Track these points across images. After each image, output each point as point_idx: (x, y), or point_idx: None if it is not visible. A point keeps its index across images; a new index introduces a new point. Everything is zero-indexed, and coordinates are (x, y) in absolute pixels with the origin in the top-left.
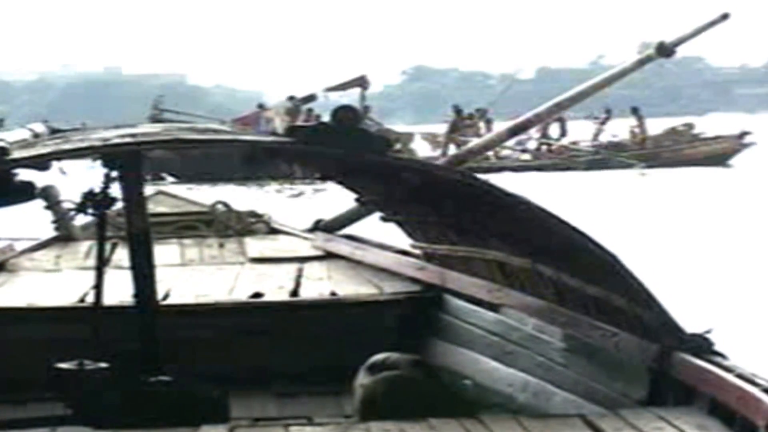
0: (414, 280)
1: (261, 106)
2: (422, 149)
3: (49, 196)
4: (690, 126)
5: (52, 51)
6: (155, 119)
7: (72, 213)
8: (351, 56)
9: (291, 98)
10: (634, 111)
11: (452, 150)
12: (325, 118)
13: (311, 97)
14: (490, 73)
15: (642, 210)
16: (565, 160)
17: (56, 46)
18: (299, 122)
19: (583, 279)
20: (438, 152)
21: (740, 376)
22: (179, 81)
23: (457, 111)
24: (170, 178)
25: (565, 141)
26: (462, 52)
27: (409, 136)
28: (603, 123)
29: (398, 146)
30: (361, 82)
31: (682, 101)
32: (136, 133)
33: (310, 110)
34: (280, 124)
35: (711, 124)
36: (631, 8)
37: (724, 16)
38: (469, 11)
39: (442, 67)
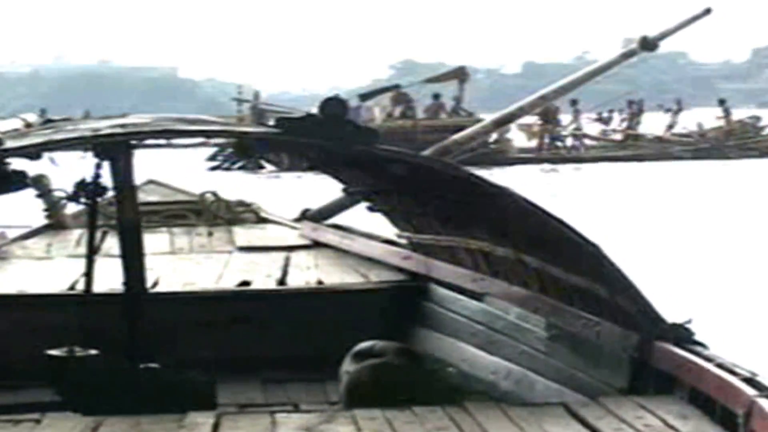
0: (400, 270)
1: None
2: (518, 139)
3: (40, 185)
4: (757, 118)
5: (46, 44)
6: (259, 111)
7: (63, 202)
8: (340, 50)
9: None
10: (721, 103)
11: (547, 140)
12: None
13: (396, 87)
14: (477, 68)
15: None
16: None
17: (50, 39)
18: (398, 111)
19: (566, 269)
20: (534, 142)
21: (720, 366)
22: (171, 74)
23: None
24: (270, 167)
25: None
26: (449, 46)
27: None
28: (676, 114)
29: (495, 136)
30: (460, 74)
31: (667, 96)
32: (126, 123)
33: (409, 100)
34: (379, 113)
35: (695, 119)
36: (616, 4)
37: (707, 11)
38: (457, 6)
39: (429, 62)
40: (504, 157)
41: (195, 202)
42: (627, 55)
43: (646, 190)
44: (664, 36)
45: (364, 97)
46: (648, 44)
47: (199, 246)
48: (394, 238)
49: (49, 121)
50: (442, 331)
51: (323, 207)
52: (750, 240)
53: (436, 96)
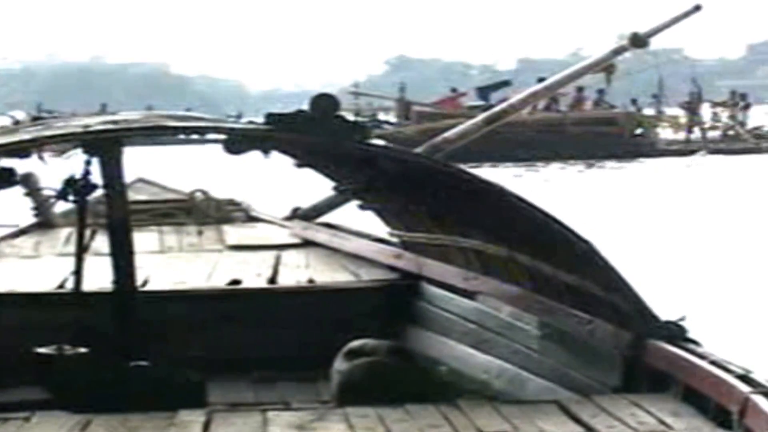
0: (391, 268)
1: (454, 90)
2: (665, 132)
3: (29, 183)
4: None
5: (38, 40)
6: (405, 104)
7: (52, 200)
8: (333, 46)
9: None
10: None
11: (696, 133)
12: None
13: (505, 83)
14: (472, 64)
15: None
16: None
17: (41, 36)
18: (542, 104)
19: (559, 267)
20: (680, 135)
21: (714, 363)
22: (163, 70)
23: (698, 94)
24: None
25: None
26: (444, 42)
27: (653, 120)
28: None
29: (641, 129)
30: (607, 67)
31: (663, 93)
32: (116, 120)
33: (553, 99)
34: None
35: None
36: (611, 0)
37: (696, 8)
38: (451, 2)
39: (424, 58)
40: (651, 149)
41: (185, 201)
42: (617, 51)
43: None
44: (654, 32)
45: (483, 91)
46: (638, 41)
47: (188, 245)
48: (386, 237)
49: (38, 117)
50: (434, 330)
51: (314, 205)
52: None
53: (580, 89)
